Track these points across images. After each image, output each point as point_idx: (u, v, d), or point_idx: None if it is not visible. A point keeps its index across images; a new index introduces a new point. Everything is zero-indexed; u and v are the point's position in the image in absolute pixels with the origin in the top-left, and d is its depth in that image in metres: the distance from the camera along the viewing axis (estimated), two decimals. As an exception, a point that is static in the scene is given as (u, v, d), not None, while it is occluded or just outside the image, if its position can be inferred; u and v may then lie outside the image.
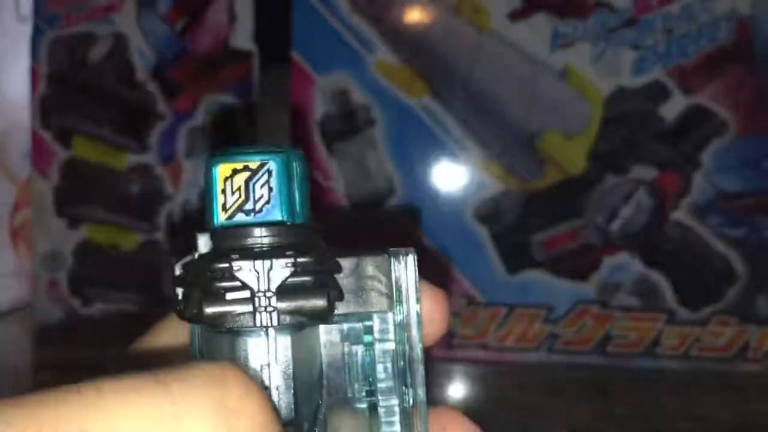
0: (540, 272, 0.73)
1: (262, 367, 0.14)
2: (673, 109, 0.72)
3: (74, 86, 0.74)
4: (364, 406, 0.15)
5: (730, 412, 0.63)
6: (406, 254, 0.15)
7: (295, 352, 0.14)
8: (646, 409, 0.63)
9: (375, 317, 0.15)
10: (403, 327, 0.15)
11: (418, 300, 0.15)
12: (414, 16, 0.73)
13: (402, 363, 0.15)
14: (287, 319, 0.14)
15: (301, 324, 0.14)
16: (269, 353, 0.14)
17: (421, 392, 0.15)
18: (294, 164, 0.15)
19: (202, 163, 0.69)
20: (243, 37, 0.73)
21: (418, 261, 0.15)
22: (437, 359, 0.74)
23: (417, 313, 0.15)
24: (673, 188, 0.72)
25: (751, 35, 0.71)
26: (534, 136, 0.72)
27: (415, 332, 0.15)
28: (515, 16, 0.72)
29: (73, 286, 0.74)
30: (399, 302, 0.15)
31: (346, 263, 0.15)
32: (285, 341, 0.14)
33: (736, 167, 0.72)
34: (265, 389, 0.14)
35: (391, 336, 0.15)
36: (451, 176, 0.73)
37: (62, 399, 0.14)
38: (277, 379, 0.14)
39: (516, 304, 0.73)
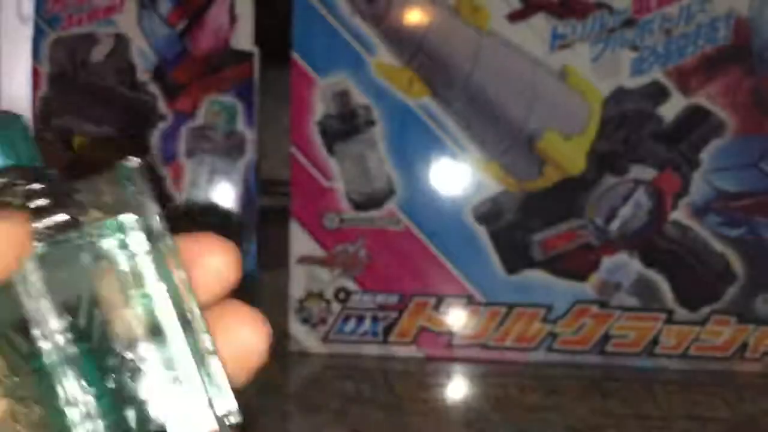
0: (539, 272, 0.74)
1: (28, 286, 0.16)
2: (671, 109, 0.72)
3: (75, 86, 0.74)
4: (141, 308, 0.17)
5: (728, 411, 0.63)
6: (130, 161, 0.17)
7: (59, 267, 0.16)
8: (645, 407, 0.64)
9: (122, 220, 0.17)
10: (152, 227, 0.17)
11: (152, 199, 0.17)
12: (414, 17, 0.73)
13: (154, 256, 0.17)
14: (43, 236, 0.16)
15: (53, 239, 0.16)
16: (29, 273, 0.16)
17: (185, 281, 0.17)
18: (12, 124, 0.17)
19: (203, 163, 0.69)
20: (243, 38, 0.73)
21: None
22: (437, 358, 0.74)
23: (156, 210, 0.17)
24: (671, 188, 0.72)
25: (749, 36, 0.72)
26: (533, 137, 0.73)
27: (161, 227, 0.17)
28: (515, 17, 0.72)
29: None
30: (138, 206, 0.17)
31: (81, 185, 0.17)
32: (42, 257, 0.16)
33: (734, 167, 0.72)
34: (37, 307, 0.16)
35: (143, 238, 0.17)
36: (450, 176, 0.74)
37: None
38: (44, 295, 0.16)
39: (515, 303, 0.74)
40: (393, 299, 0.74)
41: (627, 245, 0.73)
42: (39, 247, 0.16)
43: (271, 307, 0.80)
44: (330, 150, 0.74)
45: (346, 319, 0.75)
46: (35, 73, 0.75)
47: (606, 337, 0.73)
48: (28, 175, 0.16)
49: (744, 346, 0.72)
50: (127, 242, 0.17)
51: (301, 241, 0.74)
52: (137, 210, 0.17)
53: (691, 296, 0.73)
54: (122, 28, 0.74)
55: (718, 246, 0.72)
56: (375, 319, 0.74)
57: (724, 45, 0.72)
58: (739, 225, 0.72)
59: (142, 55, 0.74)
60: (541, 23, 0.72)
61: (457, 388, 0.68)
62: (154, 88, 0.74)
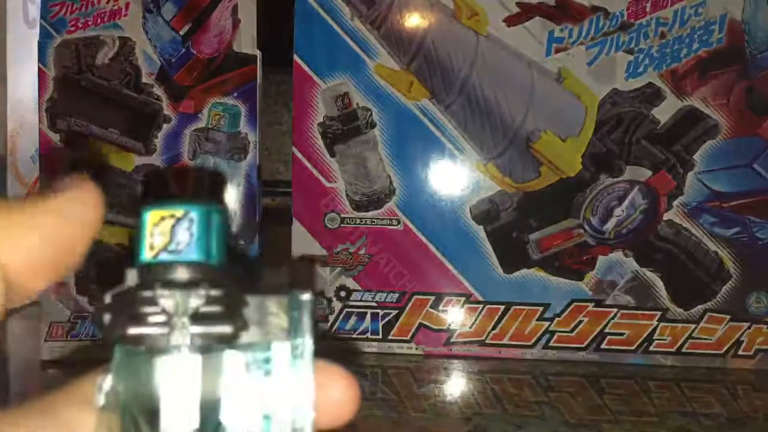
0: (536, 271, 0.75)
1: (173, 381, 0.16)
2: (666, 111, 0.73)
3: (81, 89, 0.75)
4: (258, 426, 0.18)
5: (721, 407, 0.64)
6: (304, 295, 0.18)
7: (203, 372, 0.17)
8: (640, 403, 0.65)
9: (273, 346, 0.17)
10: (297, 356, 0.17)
11: (311, 334, 0.18)
12: (413, 21, 0.74)
13: (293, 387, 0.17)
14: (198, 340, 0.16)
15: (209, 346, 0.17)
16: (180, 369, 0.17)
17: (309, 416, 0.18)
18: (213, 216, 0.18)
19: (207, 164, 0.70)
20: (246, 42, 0.75)
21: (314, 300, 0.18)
22: (436, 356, 0.75)
23: (310, 344, 0.18)
24: (666, 189, 0.73)
25: (742, 39, 0.72)
26: (530, 138, 0.74)
27: (307, 359, 0.18)
28: (511, 21, 0.73)
29: (80, 284, 0.76)
30: (295, 336, 0.17)
31: (252, 300, 0.17)
32: (195, 360, 0.17)
33: (727, 168, 0.73)
34: (173, 402, 0.16)
35: (287, 362, 0.17)
36: (449, 177, 0.75)
37: None
38: (185, 393, 0.17)
39: (513, 302, 0.75)
40: (392, 297, 0.75)
41: (622, 245, 0.74)
42: (192, 352, 0.17)
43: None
44: (331, 151, 0.75)
45: (347, 317, 0.76)
46: (41, 76, 0.76)
47: (602, 335, 0.74)
48: (213, 277, 0.17)
49: (738, 343, 0.74)
50: (270, 364, 0.18)
51: (302, 241, 0.76)
52: (295, 339, 0.18)
53: (685, 295, 0.74)
54: (127, 31, 0.75)
55: (711, 245, 0.73)
56: (375, 317, 0.75)
57: (717, 48, 0.73)
58: (732, 225, 0.73)
59: (147, 59, 0.75)
60: (537, 27, 0.73)
61: (455, 385, 0.69)
62: (158, 91, 0.75)
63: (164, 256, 0.17)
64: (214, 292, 0.17)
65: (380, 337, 0.75)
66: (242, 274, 0.18)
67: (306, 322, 0.18)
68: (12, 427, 0.15)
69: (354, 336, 0.76)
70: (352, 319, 0.76)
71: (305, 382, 0.18)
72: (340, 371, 0.18)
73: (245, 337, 0.17)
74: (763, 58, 0.72)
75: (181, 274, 0.17)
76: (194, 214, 0.17)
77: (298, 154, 0.75)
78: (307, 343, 0.18)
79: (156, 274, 0.17)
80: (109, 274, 0.76)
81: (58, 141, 0.75)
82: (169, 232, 0.17)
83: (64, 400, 0.17)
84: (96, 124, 0.75)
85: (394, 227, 0.75)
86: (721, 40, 0.72)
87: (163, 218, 0.17)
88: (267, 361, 0.18)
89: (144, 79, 0.75)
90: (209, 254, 0.17)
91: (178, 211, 0.17)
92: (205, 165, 0.74)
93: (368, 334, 0.76)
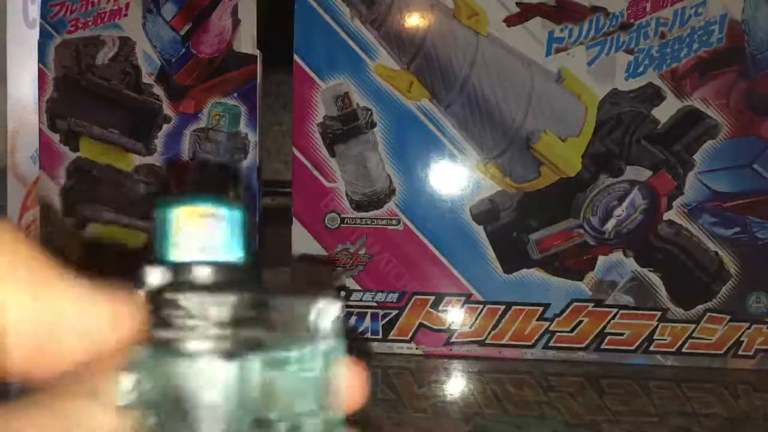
0: (536, 271, 0.75)
1: (201, 388, 0.16)
2: (666, 111, 0.73)
3: (81, 89, 0.75)
4: (283, 428, 0.17)
5: (722, 407, 0.64)
6: (332, 298, 0.17)
7: (232, 375, 0.16)
8: (640, 403, 0.65)
9: (302, 348, 0.17)
10: (323, 357, 0.17)
11: (340, 336, 0.17)
12: (413, 21, 0.74)
13: (320, 387, 0.17)
14: (228, 344, 0.16)
15: (239, 349, 0.16)
16: (209, 375, 0.16)
17: (337, 413, 0.18)
18: (240, 214, 0.17)
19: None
20: (246, 42, 0.75)
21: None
22: (436, 356, 0.75)
23: (340, 347, 0.17)
24: (666, 189, 0.73)
25: (742, 39, 0.73)
26: (530, 138, 0.74)
27: (337, 361, 0.17)
28: (511, 21, 0.73)
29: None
30: (324, 338, 0.17)
31: (280, 302, 0.17)
32: (224, 364, 0.16)
33: (728, 168, 0.73)
34: (203, 408, 0.16)
35: (312, 364, 0.17)
36: (449, 177, 0.75)
37: None
38: (213, 399, 0.16)
39: (513, 302, 0.75)
40: (392, 297, 0.75)
41: (622, 245, 0.74)
42: (221, 356, 0.16)
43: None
44: (331, 151, 0.75)
45: (347, 317, 0.76)
46: (41, 76, 0.76)
47: (602, 335, 0.74)
48: (242, 278, 0.16)
49: (738, 343, 0.74)
50: (300, 366, 0.17)
51: (302, 241, 0.76)
52: (324, 341, 0.17)
53: (685, 295, 0.74)
54: (127, 31, 0.75)
55: (711, 245, 0.73)
56: (375, 317, 0.75)
57: (717, 48, 0.73)
58: (732, 225, 0.73)
59: (147, 59, 0.75)
60: (537, 27, 0.73)
61: (455, 385, 0.69)
62: (158, 91, 0.75)
63: (193, 256, 0.16)
64: (243, 294, 0.16)
65: (380, 337, 0.75)
66: (267, 275, 0.17)
67: (335, 324, 0.17)
68: (16, 420, 0.15)
69: (355, 336, 0.76)
70: (352, 319, 0.76)
71: (335, 383, 0.17)
72: (348, 360, 0.18)
73: (274, 340, 0.17)
74: (763, 58, 0.72)
75: (211, 275, 0.16)
76: (224, 213, 0.17)
77: (298, 154, 0.75)
78: (336, 345, 0.17)
79: (184, 275, 0.16)
80: (108, 271, 0.75)
81: (58, 141, 0.75)
82: (198, 231, 0.16)
83: (69, 394, 0.17)
84: (96, 124, 0.75)
85: (394, 227, 0.75)
86: (721, 40, 0.72)
87: (191, 216, 0.17)
88: (296, 363, 0.17)
89: (144, 79, 0.75)
90: (238, 254, 0.17)
91: (207, 209, 0.17)
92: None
93: (368, 334, 0.76)
